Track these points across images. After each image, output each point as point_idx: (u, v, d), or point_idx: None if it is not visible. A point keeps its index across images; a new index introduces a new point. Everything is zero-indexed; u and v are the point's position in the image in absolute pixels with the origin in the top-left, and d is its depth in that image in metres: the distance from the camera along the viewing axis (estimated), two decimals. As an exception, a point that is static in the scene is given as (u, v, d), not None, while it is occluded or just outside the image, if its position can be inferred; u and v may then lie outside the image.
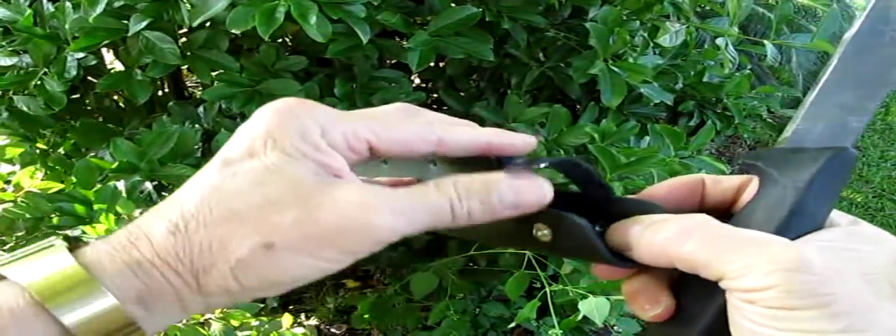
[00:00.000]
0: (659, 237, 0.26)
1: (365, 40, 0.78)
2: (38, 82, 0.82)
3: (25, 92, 0.84)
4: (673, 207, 0.28)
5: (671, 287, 0.28)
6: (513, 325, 1.32)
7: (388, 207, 0.24)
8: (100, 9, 0.72)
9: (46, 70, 0.83)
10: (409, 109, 0.28)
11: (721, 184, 0.29)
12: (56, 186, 0.90)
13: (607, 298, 0.93)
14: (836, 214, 0.27)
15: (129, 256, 0.23)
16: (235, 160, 0.24)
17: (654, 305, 0.27)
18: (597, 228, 0.27)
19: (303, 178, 0.23)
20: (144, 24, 0.75)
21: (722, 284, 0.24)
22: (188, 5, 0.73)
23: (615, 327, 1.22)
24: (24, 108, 0.86)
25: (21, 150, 0.95)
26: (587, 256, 0.27)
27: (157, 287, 0.23)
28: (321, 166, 0.24)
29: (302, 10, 0.64)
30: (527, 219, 0.27)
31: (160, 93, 1.14)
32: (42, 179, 0.95)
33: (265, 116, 0.25)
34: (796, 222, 0.25)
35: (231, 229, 0.23)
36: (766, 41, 1.08)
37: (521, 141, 0.28)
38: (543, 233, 0.27)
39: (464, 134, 0.27)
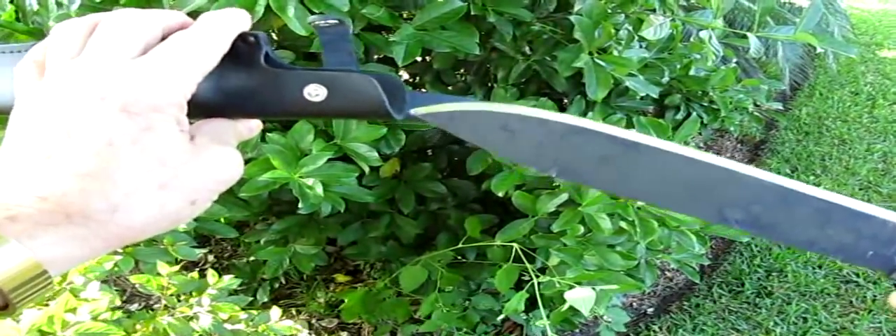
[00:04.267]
0: None
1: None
2: (23, 77, 0.82)
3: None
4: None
5: None
6: (503, 317, 1.33)
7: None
8: (77, 3, 0.72)
9: (31, 65, 0.83)
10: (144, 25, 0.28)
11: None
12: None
13: (594, 289, 0.94)
14: None
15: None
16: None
17: None
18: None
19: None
20: (128, 18, 0.75)
21: None
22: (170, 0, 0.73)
23: (605, 317, 1.23)
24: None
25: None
26: (361, 112, 0.30)
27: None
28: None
29: (280, 3, 0.65)
30: (298, 80, 0.29)
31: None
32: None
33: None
34: None
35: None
36: (749, 34, 1.09)
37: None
38: (317, 93, 0.29)
39: (221, 36, 0.28)
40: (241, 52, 0.29)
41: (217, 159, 0.29)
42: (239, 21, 0.29)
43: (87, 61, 0.27)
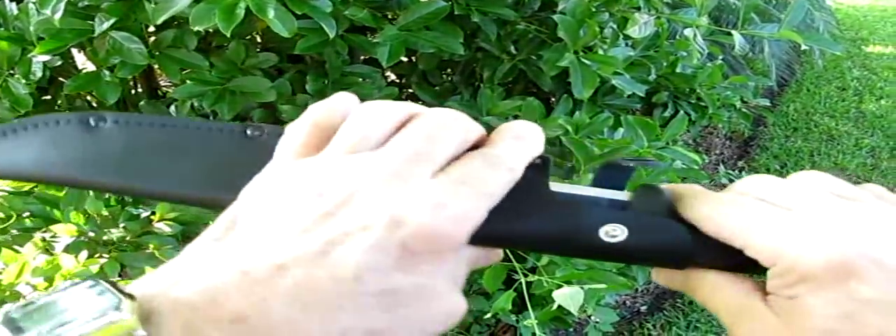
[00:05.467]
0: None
1: (332, 35, 0.78)
2: (3, 84, 0.81)
3: (-9, 94, 0.83)
4: None
5: None
6: (494, 317, 1.33)
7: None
8: (60, 10, 0.71)
9: (11, 72, 0.82)
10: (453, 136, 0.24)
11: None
12: (29, 184, 0.90)
13: (582, 288, 0.94)
14: None
15: None
16: None
17: None
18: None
19: None
20: (109, 24, 0.74)
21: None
22: (153, 4, 0.72)
23: (592, 317, 1.23)
24: (-9, 111, 0.85)
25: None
26: (664, 261, 0.26)
27: None
28: None
29: (260, 5, 0.64)
30: (598, 219, 0.25)
31: (133, 92, 1.14)
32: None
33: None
34: None
35: None
36: (734, 31, 1.09)
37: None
38: (614, 233, 0.25)
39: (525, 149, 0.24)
40: (524, 176, 0.24)
41: (442, 308, 0.22)
42: (540, 141, 0.25)
43: (386, 164, 0.22)
